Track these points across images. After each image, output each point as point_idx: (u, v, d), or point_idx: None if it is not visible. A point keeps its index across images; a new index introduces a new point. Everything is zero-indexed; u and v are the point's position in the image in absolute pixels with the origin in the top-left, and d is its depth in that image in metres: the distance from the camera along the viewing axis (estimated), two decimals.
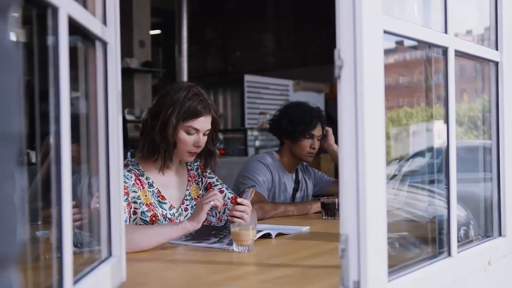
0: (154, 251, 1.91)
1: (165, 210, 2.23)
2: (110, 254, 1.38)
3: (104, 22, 1.36)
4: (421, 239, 1.71)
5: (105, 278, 1.29)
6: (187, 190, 2.36)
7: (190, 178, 2.39)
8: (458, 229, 1.64)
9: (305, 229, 2.36)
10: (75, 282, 1.10)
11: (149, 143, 2.22)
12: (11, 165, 0.57)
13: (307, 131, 3.00)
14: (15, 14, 0.65)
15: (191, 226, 1.98)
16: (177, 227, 1.98)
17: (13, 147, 0.58)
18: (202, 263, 1.75)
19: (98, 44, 1.34)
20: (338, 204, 2.67)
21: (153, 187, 2.24)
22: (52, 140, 1.01)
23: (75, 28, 1.12)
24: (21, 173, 0.59)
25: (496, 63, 1.83)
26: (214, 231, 2.16)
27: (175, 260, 1.80)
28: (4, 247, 0.56)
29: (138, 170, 2.24)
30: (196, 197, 2.38)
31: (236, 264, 1.76)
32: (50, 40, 1.02)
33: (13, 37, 0.63)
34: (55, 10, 1.00)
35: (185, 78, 8.61)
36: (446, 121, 1.54)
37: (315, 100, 5.79)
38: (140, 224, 2.17)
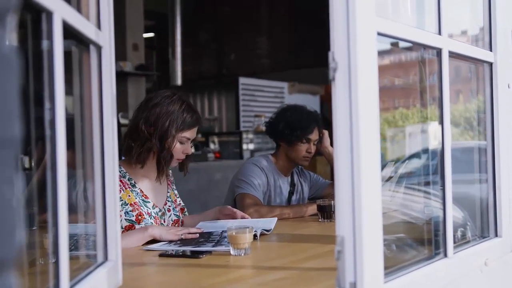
0: (150, 255, 1.91)
1: (149, 208, 2.31)
2: (106, 258, 1.38)
3: (98, 26, 1.35)
4: (417, 240, 1.71)
5: (102, 283, 1.29)
6: (168, 192, 2.47)
7: (169, 183, 2.51)
8: (456, 231, 1.65)
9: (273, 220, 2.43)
10: (71, 287, 1.09)
11: (146, 152, 2.28)
12: (10, 169, 0.57)
13: (304, 135, 2.98)
14: (13, 19, 0.65)
15: (155, 231, 2.10)
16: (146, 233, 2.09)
17: (12, 151, 0.59)
18: (198, 266, 1.75)
19: (92, 48, 1.34)
20: (334, 206, 2.67)
21: (136, 187, 2.31)
22: (47, 145, 1.01)
23: (69, 32, 1.12)
24: (19, 177, 0.60)
25: (490, 64, 1.83)
26: (205, 237, 2.13)
27: (172, 264, 1.80)
28: (3, 251, 0.57)
29: (120, 172, 2.27)
30: (173, 200, 2.49)
31: (233, 268, 1.76)
32: (44, 44, 1.01)
33: (11, 42, 0.63)
34: (49, 14, 1.00)
35: (179, 81, 8.60)
36: (441, 122, 1.55)
37: (310, 102, 5.78)
38: (125, 226, 2.22)
